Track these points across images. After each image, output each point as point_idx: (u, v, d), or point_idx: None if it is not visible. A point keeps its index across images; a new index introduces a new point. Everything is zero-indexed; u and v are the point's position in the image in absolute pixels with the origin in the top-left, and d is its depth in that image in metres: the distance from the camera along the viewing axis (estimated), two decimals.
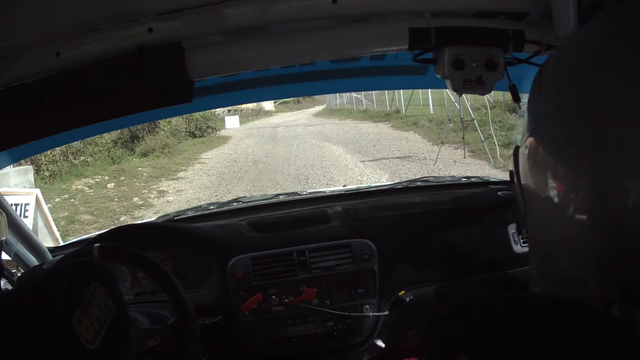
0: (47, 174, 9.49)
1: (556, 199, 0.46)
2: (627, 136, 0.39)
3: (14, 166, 6.87)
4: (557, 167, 0.47)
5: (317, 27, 1.02)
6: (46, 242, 2.94)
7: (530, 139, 0.51)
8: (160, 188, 8.63)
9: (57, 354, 0.68)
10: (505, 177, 1.73)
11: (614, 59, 0.43)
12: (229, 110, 21.50)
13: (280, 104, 30.56)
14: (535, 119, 0.52)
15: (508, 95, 1.04)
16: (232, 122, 19.36)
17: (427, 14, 1.00)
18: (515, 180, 0.57)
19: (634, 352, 0.34)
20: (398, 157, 8.76)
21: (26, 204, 4.52)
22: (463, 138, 7.96)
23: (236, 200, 1.81)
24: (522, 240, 1.30)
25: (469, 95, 7.85)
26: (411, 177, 5.17)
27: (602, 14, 0.48)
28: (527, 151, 0.52)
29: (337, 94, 22.25)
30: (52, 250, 1.57)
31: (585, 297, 0.43)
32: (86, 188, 8.64)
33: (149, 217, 6.40)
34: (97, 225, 6.38)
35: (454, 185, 1.72)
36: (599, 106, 0.42)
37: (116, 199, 7.87)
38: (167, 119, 13.23)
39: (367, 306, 1.42)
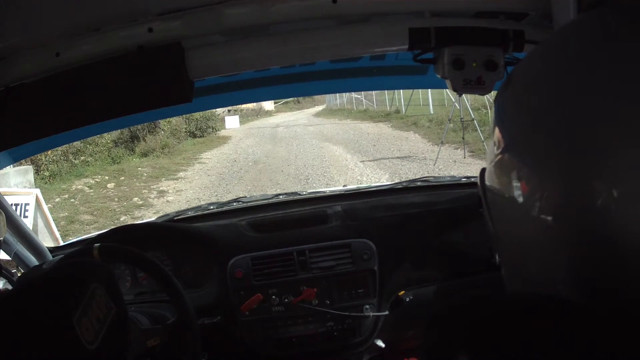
0: (47, 174, 9.49)
1: (520, 200, 0.46)
2: (604, 137, 0.39)
3: (14, 166, 6.87)
4: (522, 168, 0.46)
5: (317, 27, 1.02)
6: (46, 242, 2.94)
7: (496, 138, 0.50)
8: (160, 188, 8.63)
9: (57, 354, 0.68)
10: None
11: (598, 57, 0.42)
12: (229, 110, 21.52)
13: (280, 104, 30.57)
14: (500, 118, 0.52)
15: None
16: (232, 122, 19.37)
17: (427, 14, 1.00)
18: (483, 202, 0.55)
19: (633, 350, 0.34)
20: (398, 157, 8.77)
21: (26, 204, 4.52)
22: (463, 138, 7.96)
23: (236, 200, 1.81)
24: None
25: (469, 95, 7.85)
26: (411, 177, 5.17)
27: (594, 12, 0.48)
28: (493, 152, 0.51)
29: (337, 94, 22.26)
30: (52, 250, 1.57)
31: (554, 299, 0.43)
32: (86, 188, 8.65)
33: (149, 217, 6.41)
34: (97, 225, 6.39)
35: (454, 185, 1.72)
36: (575, 105, 0.42)
37: (116, 199, 7.88)
38: (167, 119, 13.24)
39: (367, 306, 1.42)
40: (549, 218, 0.42)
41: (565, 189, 0.41)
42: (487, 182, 0.53)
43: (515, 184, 0.46)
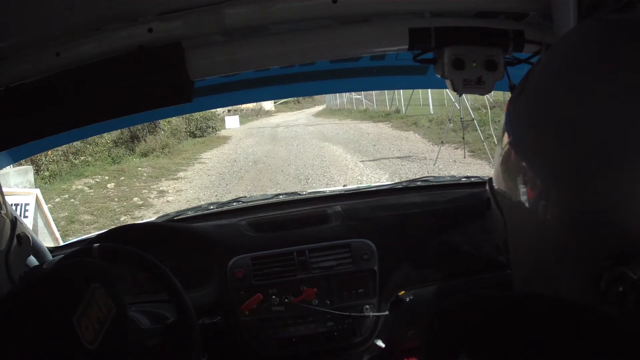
0: (47, 174, 9.49)
1: (527, 204, 0.46)
2: (606, 140, 0.39)
3: (14, 166, 6.87)
4: (529, 171, 0.47)
5: (317, 27, 1.02)
6: (46, 242, 2.94)
7: (506, 143, 0.51)
8: (160, 188, 8.63)
9: (57, 354, 0.68)
10: None
11: (601, 66, 0.43)
12: (229, 110, 21.51)
13: (280, 104, 30.55)
14: (512, 122, 0.52)
15: (508, 95, 1.04)
16: (232, 122, 19.37)
17: (427, 14, 1.00)
18: (493, 203, 0.56)
19: (632, 349, 0.34)
20: (398, 157, 8.77)
21: (26, 204, 4.52)
22: (463, 138, 7.97)
23: (236, 200, 1.81)
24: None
25: (469, 95, 7.86)
26: (411, 177, 5.17)
27: (593, 19, 0.49)
28: (502, 155, 0.52)
29: (337, 94, 22.27)
30: (52, 250, 1.56)
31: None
32: (86, 188, 8.64)
33: (149, 217, 6.41)
34: (97, 225, 6.38)
35: (454, 185, 1.72)
36: (583, 110, 0.42)
37: (116, 199, 7.87)
38: (167, 119, 13.24)
39: (367, 306, 1.42)
40: (555, 219, 0.43)
41: (570, 192, 0.41)
42: (496, 186, 0.54)
43: (522, 187, 0.47)
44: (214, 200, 5.40)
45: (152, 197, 8.04)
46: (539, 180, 0.45)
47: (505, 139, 0.51)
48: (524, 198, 0.47)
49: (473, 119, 8.01)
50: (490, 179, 0.57)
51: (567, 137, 0.42)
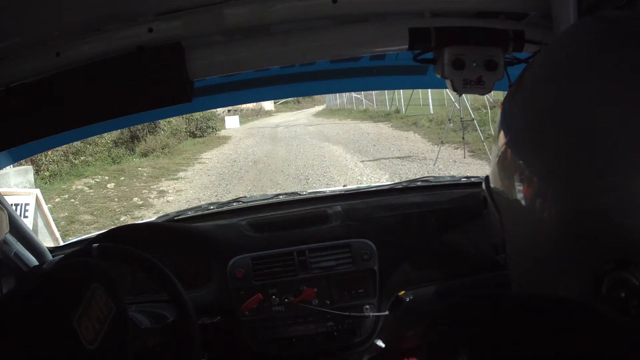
0: (47, 174, 9.49)
1: (525, 201, 0.46)
2: (606, 139, 0.39)
3: (14, 166, 6.87)
4: (526, 170, 0.47)
5: (317, 27, 1.02)
6: (46, 242, 2.94)
7: (503, 141, 0.51)
8: (160, 188, 8.63)
9: (57, 354, 0.68)
10: None
11: (599, 64, 0.43)
12: (229, 110, 21.51)
13: (280, 104, 30.54)
14: (508, 120, 0.52)
15: None
16: (232, 122, 19.38)
17: (427, 14, 1.00)
18: (490, 202, 0.56)
19: (633, 350, 0.34)
20: (398, 157, 8.77)
21: (26, 204, 4.52)
22: (463, 138, 7.97)
23: (236, 200, 1.81)
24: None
25: (469, 95, 7.86)
26: (411, 177, 5.17)
27: (592, 16, 0.49)
28: (499, 153, 0.52)
29: (337, 94, 22.27)
30: (52, 250, 1.56)
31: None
32: (86, 188, 8.65)
33: (149, 217, 6.41)
34: (97, 225, 6.39)
35: (454, 185, 1.72)
36: (579, 110, 0.42)
37: (116, 199, 7.88)
38: (167, 119, 13.24)
39: (367, 306, 1.42)
40: (553, 219, 0.42)
41: (568, 191, 0.41)
42: (492, 185, 0.54)
43: (520, 186, 0.47)
44: (214, 200, 5.40)
45: (152, 197, 8.04)
46: (536, 179, 0.45)
47: (502, 137, 0.51)
48: (520, 196, 0.47)
49: (473, 119, 8.01)
50: (487, 178, 0.57)
51: (565, 135, 0.42)
